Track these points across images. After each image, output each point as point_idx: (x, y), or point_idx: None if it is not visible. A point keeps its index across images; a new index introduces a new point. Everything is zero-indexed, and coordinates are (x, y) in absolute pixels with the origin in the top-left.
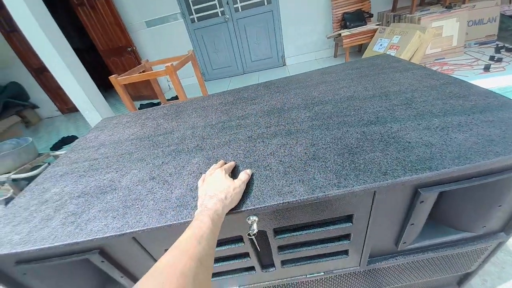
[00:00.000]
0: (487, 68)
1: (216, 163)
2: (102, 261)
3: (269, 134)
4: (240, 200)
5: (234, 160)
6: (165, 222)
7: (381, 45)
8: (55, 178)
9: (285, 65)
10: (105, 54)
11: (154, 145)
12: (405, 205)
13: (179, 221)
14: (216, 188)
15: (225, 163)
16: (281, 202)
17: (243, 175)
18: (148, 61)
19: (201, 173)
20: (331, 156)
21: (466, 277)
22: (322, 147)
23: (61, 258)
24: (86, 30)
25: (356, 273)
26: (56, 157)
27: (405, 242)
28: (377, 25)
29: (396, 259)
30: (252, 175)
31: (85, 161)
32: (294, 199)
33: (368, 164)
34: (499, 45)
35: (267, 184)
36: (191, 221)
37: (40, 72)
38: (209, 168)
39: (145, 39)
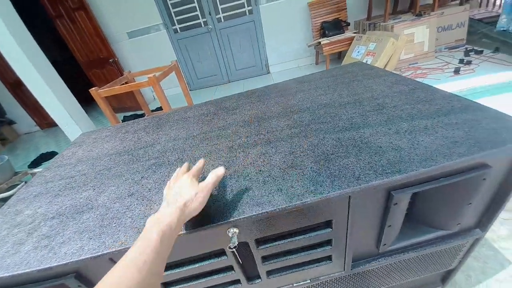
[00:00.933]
0: (457, 71)
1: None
2: (79, 286)
3: (249, 143)
4: (220, 212)
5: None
6: None
7: (358, 52)
8: (28, 199)
9: (269, 72)
10: (86, 66)
11: (134, 160)
12: (381, 207)
13: None
14: (177, 193)
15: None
16: (260, 212)
17: (211, 176)
18: (130, 72)
19: None
20: (308, 163)
21: (448, 274)
22: (300, 155)
23: (36, 284)
24: (65, 42)
25: (342, 278)
26: (34, 174)
27: (385, 244)
28: (354, 33)
29: (379, 261)
30: (226, 177)
31: (60, 179)
32: (272, 209)
33: (342, 169)
34: (468, 49)
35: (247, 195)
36: None
37: (17, 86)
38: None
39: (127, 50)
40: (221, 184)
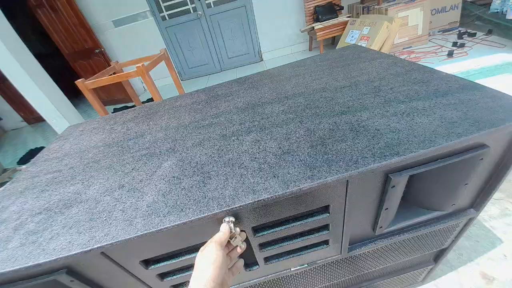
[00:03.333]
0: (450, 54)
1: (192, 174)
2: (72, 281)
3: (243, 131)
4: (214, 202)
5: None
6: (136, 233)
7: (352, 36)
8: (14, 195)
9: (262, 60)
10: (71, 57)
11: (123, 151)
12: (378, 191)
13: (150, 231)
14: (198, 267)
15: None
16: (256, 200)
17: (217, 235)
18: (118, 62)
19: (174, 176)
20: (305, 149)
21: (441, 253)
22: (296, 141)
23: (27, 281)
24: (48, 33)
25: (339, 261)
26: None
27: (381, 227)
28: (347, 17)
29: (375, 244)
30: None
31: (47, 173)
32: (268, 196)
33: (339, 154)
34: (462, 31)
35: (242, 183)
36: (163, 229)
37: (0, 81)
38: (183, 176)
39: (114, 40)
40: (216, 173)
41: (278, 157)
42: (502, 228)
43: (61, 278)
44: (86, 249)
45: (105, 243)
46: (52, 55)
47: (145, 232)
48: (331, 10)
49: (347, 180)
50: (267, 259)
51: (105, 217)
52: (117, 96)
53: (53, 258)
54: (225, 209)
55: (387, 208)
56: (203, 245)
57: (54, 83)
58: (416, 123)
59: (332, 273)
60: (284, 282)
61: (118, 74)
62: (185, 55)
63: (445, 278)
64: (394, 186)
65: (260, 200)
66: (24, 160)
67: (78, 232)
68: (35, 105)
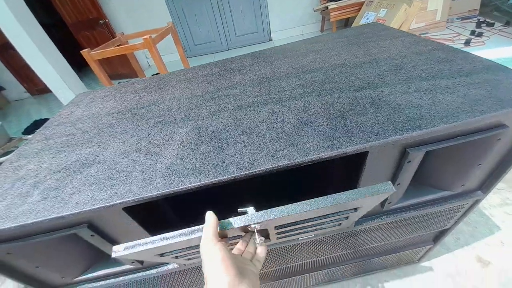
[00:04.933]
0: (467, 43)
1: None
2: (92, 235)
3: (259, 102)
4: (233, 166)
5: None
6: (157, 191)
7: (367, 18)
8: (30, 155)
9: (271, 40)
10: (74, 28)
11: (138, 118)
12: (394, 165)
13: (171, 189)
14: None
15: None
16: (275, 166)
17: (204, 231)
18: (123, 34)
19: (191, 142)
20: (323, 121)
21: (441, 234)
22: (314, 113)
23: (46, 235)
24: (51, 2)
25: (344, 234)
26: None
27: (390, 202)
28: None
29: (381, 219)
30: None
31: (61, 136)
32: (288, 162)
33: (360, 126)
34: (480, 20)
35: (260, 150)
36: (183, 189)
37: (4, 50)
38: (201, 142)
39: (118, 11)
40: (234, 140)
41: (297, 127)
42: (501, 216)
43: (82, 232)
44: (109, 203)
45: (128, 199)
46: (56, 25)
47: (166, 191)
48: None
49: (368, 151)
50: (279, 234)
51: (124, 176)
52: (121, 71)
53: (76, 211)
54: (244, 173)
55: (399, 184)
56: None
57: (60, 54)
58: (438, 99)
59: (334, 246)
60: (286, 250)
61: (125, 45)
62: (192, 31)
63: (440, 259)
64: (410, 161)
65: (280, 166)
66: (29, 130)
67: (99, 189)
68: (41, 75)
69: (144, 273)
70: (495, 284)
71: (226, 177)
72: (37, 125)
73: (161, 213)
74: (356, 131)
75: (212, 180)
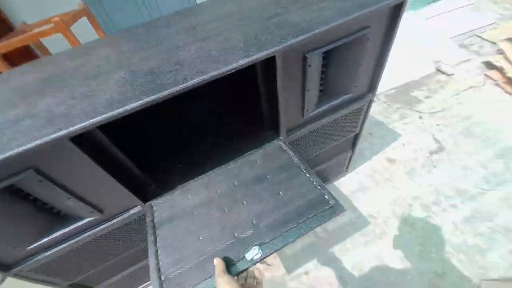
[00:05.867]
0: None
1: None
2: (41, 181)
3: (188, 43)
4: (169, 86)
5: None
6: (101, 115)
7: None
8: None
9: None
10: None
11: (67, 78)
12: (300, 72)
13: (114, 113)
14: None
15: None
16: (205, 78)
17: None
18: (26, 23)
19: (127, 80)
20: (241, 43)
21: (355, 140)
22: (235, 42)
23: None
24: None
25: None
26: None
27: (307, 110)
28: None
29: (306, 128)
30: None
31: None
32: (216, 73)
33: (268, 41)
34: None
35: (191, 70)
36: (128, 110)
37: None
38: (137, 78)
39: None
40: (167, 70)
41: (220, 50)
42: (401, 127)
43: (30, 177)
44: (54, 135)
45: (72, 128)
46: None
47: (110, 114)
48: None
49: (274, 56)
50: None
51: (64, 116)
52: None
53: (20, 150)
54: (180, 86)
55: (309, 90)
56: None
57: None
58: (321, 15)
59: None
60: None
61: (32, 32)
62: (110, 15)
63: (362, 166)
64: (310, 65)
65: (209, 77)
66: None
67: (39, 130)
68: None
69: (107, 225)
70: (401, 173)
71: (165, 92)
72: None
73: (114, 156)
74: (266, 44)
75: (152, 97)
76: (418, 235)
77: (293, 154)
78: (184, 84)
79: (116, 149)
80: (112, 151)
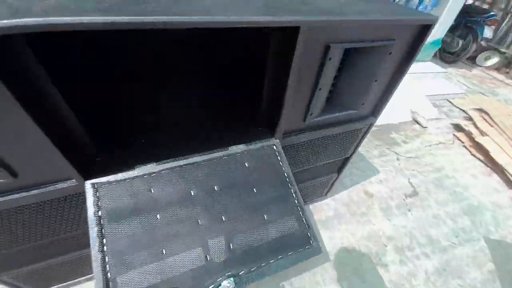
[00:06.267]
0: None
1: None
2: None
3: None
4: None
5: None
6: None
7: None
8: None
9: None
10: None
11: None
12: (318, 64)
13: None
14: None
15: None
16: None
17: None
18: None
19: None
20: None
21: (343, 164)
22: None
23: None
24: None
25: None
26: None
27: (311, 114)
28: None
29: (304, 135)
30: None
31: None
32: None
33: (294, 12)
34: None
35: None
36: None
37: None
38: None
39: None
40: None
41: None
42: (380, 163)
43: None
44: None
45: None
46: None
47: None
48: None
49: (299, 26)
50: None
51: None
52: None
53: None
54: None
55: (320, 89)
56: None
57: None
58: (352, 7)
59: None
60: None
61: None
62: None
63: (340, 194)
64: (331, 58)
65: (214, 22)
66: None
67: None
68: None
69: (20, 196)
70: (377, 209)
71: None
72: None
73: (48, 98)
74: (291, 12)
75: (121, 21)
76: (392, 279)
77: (286, 165)
78: (172, 19)
79: (54, 88)
80: (48, 89)
